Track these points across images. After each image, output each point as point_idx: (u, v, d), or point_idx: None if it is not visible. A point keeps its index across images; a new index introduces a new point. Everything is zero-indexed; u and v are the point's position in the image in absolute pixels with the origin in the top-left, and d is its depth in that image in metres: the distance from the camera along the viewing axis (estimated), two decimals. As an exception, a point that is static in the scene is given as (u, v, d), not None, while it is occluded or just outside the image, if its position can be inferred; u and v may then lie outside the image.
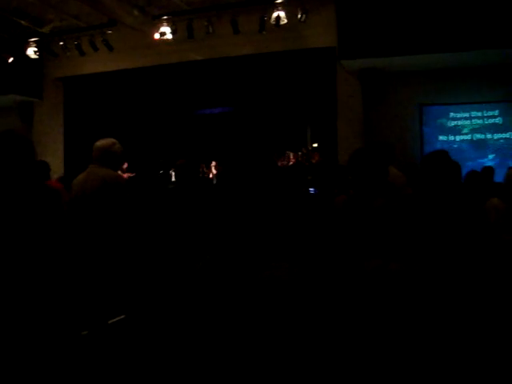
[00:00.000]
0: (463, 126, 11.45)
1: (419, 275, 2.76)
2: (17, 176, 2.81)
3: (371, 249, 2.97)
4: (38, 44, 12.94)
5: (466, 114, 11.42)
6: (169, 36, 11.83)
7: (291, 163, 14.13)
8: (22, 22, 12.12)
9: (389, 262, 2.59)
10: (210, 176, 16.88)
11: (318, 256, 2.86)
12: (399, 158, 6.38)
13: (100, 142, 4.50)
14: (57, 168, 12.79)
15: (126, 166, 12.42)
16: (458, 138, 11.48)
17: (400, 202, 3.24)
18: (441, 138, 11.58)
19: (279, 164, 13.76)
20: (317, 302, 2.15)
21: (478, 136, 11.38)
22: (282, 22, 10.94)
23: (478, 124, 11.38)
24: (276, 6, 10.97)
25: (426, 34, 9.86)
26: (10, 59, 12.97)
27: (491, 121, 11.31)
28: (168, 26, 11.82)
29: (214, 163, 17.18)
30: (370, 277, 2.63)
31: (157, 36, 11.90)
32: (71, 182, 4.62)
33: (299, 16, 10.89)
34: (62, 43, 12.79)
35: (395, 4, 10.13)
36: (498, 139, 11.24)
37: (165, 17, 11.94)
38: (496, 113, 11.26)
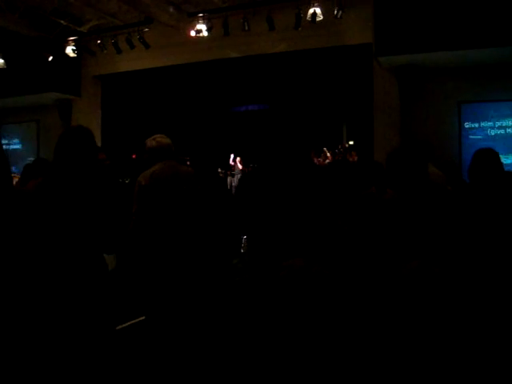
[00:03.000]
0: (507, 126, 11.13)
1: (462, 278, 2.68)
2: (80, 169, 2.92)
3: (407, 249, 2.91)
4: (76, 43, 13.16)
5: (508, 112, 11.09)
6: (204, 33, 11.86)
7: (328, 160, 14.04)
8: (62, 21, 12.33)
9: (430, 263, 2.50)
10: (234, 171, 16.98)
11: (344, 255, 2.81)
12: (438, 156, 6.26)
13: (165, 139, 4.44)
14: (94, 165, 12.95)
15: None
16: (498, 135, 11.17)
17: (439, 200, 3.17)
18: (480, 136, 11.29)
19: (316, 161, 13.69)
20: (339, 302, 2.08)
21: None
22: (318, 19, 10.83)
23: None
24: (312, 3, 10.87)
25: (466, 29, 9.61)
26: (50, 58, 13.22)
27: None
28: (204, 23, 11.84)
29: (238, 159, 17.27)
30: (410, 279, 2.54)
31: (193, 33, 11.94)
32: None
33: (335, 12, 10.77)
34: (99, 41, 12.97)
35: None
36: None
37: (200, 14, 11.97)
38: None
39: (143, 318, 4.62)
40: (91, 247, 2.89)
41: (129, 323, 5.40)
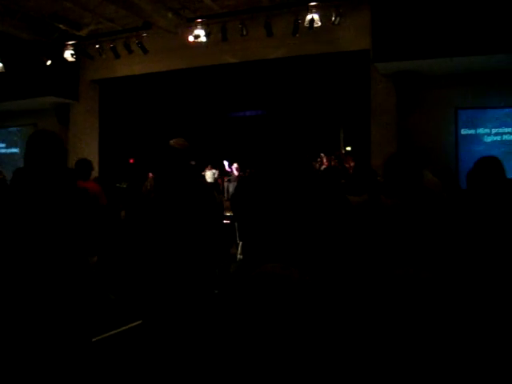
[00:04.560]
0: (503, 133, 11.16)
1: (452, 285, 2.69)
2: (48, 175, 2.86)
3: (397, 255, 2.93)
4: (75, 47, 13.18)
5: (505, 118, 11.11)
6: (203, 39, 11.89)
7: (324, 166, 14.06)
8: (61, 25, 12.35)
9: (420, 270, 2.52)
10: (233, 177, 16.99)
11: (331, 260, 2.82)
12: (434, 163, 6.28)
13: (177, 143, 4.26)
14: (91, 169, 12.93)
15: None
16: (494, 142, 11.19)
17: (434, 207, 3.19)
18: (476, 142, 11.32)
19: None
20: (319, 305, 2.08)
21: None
22: (315, 25, 10.89)
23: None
24: (310, 9, 10.93)
25: (463, 36, 9.67)
26: (49, 62, 13.25)
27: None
28: (202, 28, 11.88)
29: (235, 165, 17.27)
30: (399, 285, 2.54)
31: (191, 39, 11.97)
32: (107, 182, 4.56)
33: (333, 19, 10.83)
34: (97, 46, 13.00)
35: (430, 6, 9.97)
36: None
37: (199, 20, 12.01)
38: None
39: (139, 322, 4.63)
40: (66, 251, 2.84)
41: (124, 327, 5.41)
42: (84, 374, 2.84)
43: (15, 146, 16.16)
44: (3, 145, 16.23)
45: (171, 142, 4.19)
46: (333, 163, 13.74)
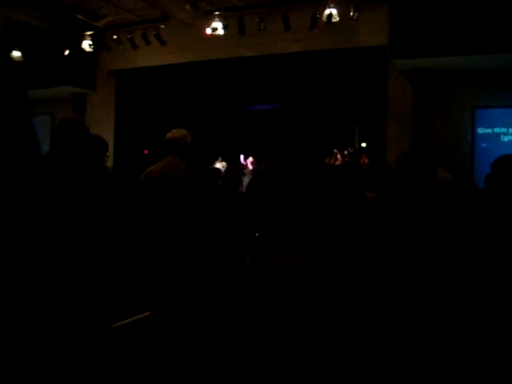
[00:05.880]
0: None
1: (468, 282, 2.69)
2: (79, 159, 2.89)
3: (409, 251, 2.92)
4: (92, 37, 13.26)
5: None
6: (220, 31, 11.90)
7: (338, 162, 14.03)
8: (79, 16, 12.42)
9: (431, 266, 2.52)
10: (247, 171, 16.94)
11: (345, 254, 2.81)
12: (450, 161, 6.23)
13: (175, 133, 4.37)
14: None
15: None
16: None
17: (446, 203, 3.18)
18: (493, 142, 11.21)
19: (326, 162, 13.68)
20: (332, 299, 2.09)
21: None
22: (333, 20, 10.85)
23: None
24: (328, 4, 10.89)
25: (482, 34, 9.57)
26: (67, 52, 13.32)
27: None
28: (220, 21, 11.88)
29: (251, 159, 17.23)
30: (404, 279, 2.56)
31: (208, 31, 11.98)
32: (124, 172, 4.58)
33: (351, 14, 10.78)
34: (115, 37, 13.06)
35: (449, 3, 9.89)
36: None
37: (216, 12, 12.02)
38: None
39: (147, 313, 4.62)
40: (87, 243, 2.85)
41: (131, 319, 5.40)
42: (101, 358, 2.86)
43: (32, 135, 16.28)
44: (19, 133, 16.38)
45: (170, 132, 4.28)
46: (347, 159, 13.70)
